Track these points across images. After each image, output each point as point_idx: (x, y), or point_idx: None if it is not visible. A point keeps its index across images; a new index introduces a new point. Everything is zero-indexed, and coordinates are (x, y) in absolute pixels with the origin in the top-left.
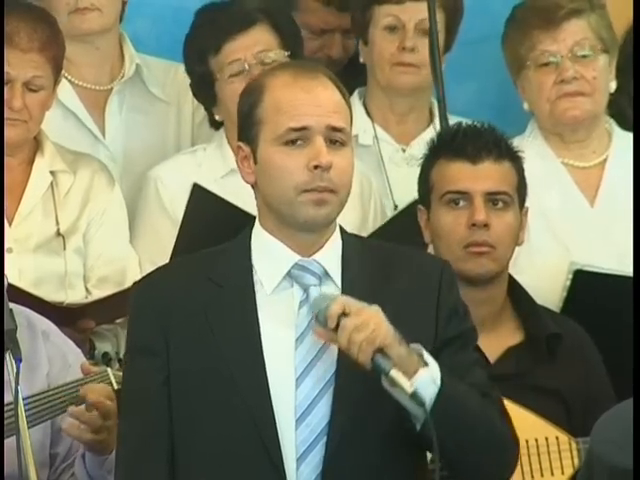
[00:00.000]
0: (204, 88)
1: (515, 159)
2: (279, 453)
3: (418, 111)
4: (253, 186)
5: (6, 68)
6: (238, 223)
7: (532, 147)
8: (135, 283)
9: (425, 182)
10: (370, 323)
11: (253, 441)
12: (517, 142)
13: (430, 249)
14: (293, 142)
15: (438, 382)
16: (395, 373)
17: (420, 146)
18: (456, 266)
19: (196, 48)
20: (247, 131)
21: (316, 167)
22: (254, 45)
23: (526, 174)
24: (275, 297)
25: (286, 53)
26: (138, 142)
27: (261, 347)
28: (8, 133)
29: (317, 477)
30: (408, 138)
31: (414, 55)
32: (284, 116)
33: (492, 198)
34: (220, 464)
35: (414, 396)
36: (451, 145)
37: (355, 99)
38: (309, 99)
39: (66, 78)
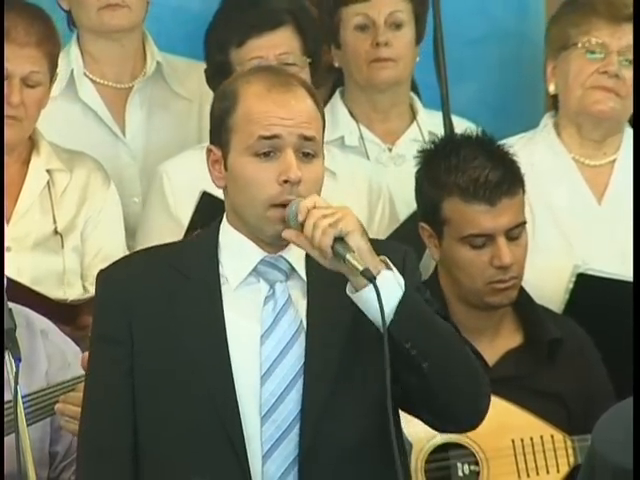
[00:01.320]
0: (219, 77)
1: (521, 179)
2: (244, 450)
3: (399, 106)
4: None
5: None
6: None
7: (544, 141)
8: (101, 271)
9: (433, 210)
10: (338, 212)
11: (220, 438)
12: (530, 135)
13: (427, 254)
14: (266, 154)
15: (403, 286)
16: (351, 256)
17: (406, 144)
18: (479, 297)
19: (219, 37)
20: (219, 136)
21: (285, 181)
22: (278, 46)
23: (536, 168)
24: (240, 292)
25: (308, 60)
26: (159, 139)
27: (226, 343)
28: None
29: (283, 474)
30: (393, 137)
31: (389, 49)
32: (255, 126)
33: (511, 232)
34: (186, 460)
35: (364, 272)
36: (464, 182)
37: (337, 100)
38: (281, 112)
39: (87, 76)
